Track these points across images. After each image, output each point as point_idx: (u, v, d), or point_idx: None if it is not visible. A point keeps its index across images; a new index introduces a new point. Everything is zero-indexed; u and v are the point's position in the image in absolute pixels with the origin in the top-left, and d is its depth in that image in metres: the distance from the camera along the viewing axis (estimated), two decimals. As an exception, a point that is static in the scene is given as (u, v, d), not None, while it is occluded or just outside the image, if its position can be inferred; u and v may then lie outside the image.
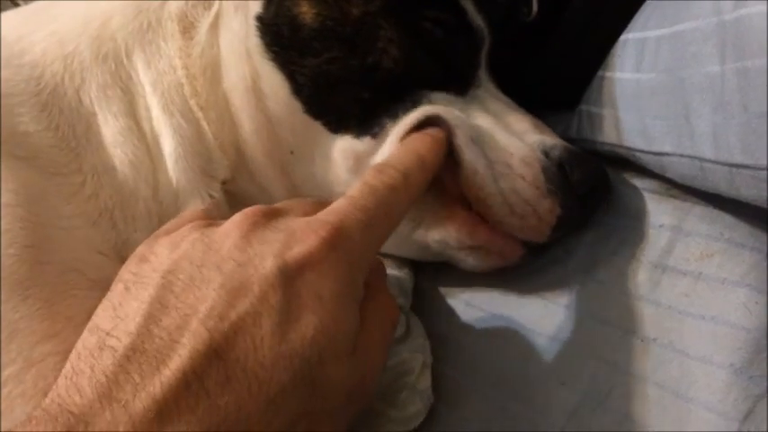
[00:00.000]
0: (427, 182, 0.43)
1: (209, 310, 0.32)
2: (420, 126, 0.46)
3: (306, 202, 0.41)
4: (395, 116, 0.47)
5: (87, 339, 0.32)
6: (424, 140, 0.44)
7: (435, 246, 0.49)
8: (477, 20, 0.51)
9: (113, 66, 0.48)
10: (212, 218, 0.41)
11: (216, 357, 0.31)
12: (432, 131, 0.46)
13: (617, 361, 0.42)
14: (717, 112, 0.36)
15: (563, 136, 0.53)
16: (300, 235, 0.35)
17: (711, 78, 0.36)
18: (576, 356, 0.43)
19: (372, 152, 0.47)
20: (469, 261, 0.49)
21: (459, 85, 0.50)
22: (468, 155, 0.46)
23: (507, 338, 0.47)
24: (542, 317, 0.46)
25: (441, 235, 0.48)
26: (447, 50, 0.49)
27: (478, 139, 0.47)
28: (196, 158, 0.48)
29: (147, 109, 0.48)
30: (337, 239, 0.36)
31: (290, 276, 0.34)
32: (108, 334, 0.32)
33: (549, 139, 0.48)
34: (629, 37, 0.46)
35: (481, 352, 0.48)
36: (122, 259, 0.43)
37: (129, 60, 0.49)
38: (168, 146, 0.47)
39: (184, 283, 0.33)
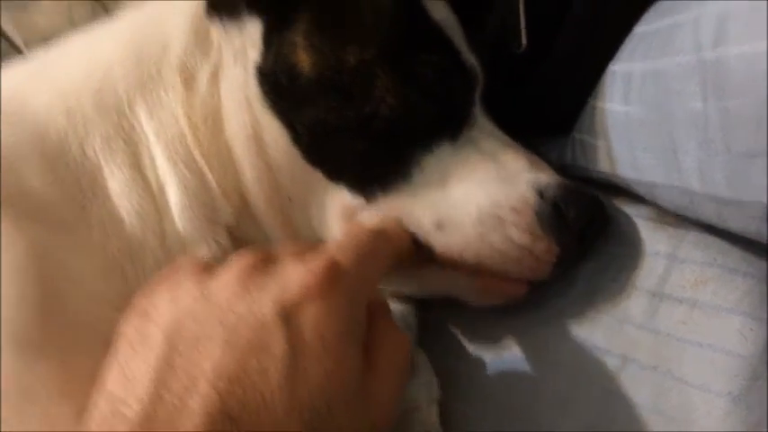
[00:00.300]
0: (404, 250, 0.46)
1: (217, 370, 0.32)
2: None
3: (300, 244, 0.42)
4: (385, 188, 0.48)
5: (100, 405, 0.33)
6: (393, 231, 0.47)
7: (440, 287, 0.50)
8: (471, 59, 0.52)
9: (116, 117, 0.49)
10: (208, 264, 0.41)
11: (228, 419, 0.31)
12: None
13: (619, 390, 0.43)
14: (702, 148, 0.37)
15: (558, 162, 0.54)
16: (296, 276, 0.36)
17: (695, 115, 0.37)
18: (580, 386, 0.44)
19: (360, 213, 0.49)
20: (475, 299, 0.50)
21: (454, 127, 0.50)
22: (439, 247, 0.47)
23: (514, 370, 0.48)
24: (546, 348, 0.47)
25: (445, 278, 0.49)
26: (442, 92, 0.50)
27: (455, 201, 0.48)
28: (201, 207, 0.49)
29: (152, 158, 0.49)
30: (332, 274, 0.37)
31: (290, 319, 0.34)
32: (119, 400, 0.32)
33: (544, 177, 0.48)
34: (617, 68, 0.47)
35: (489, 384, 0.48)
36: None
37: (131, 111, 0.49)
38: (173, 195, 0.48)
39: (189, 341, 0.34)
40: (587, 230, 0.47)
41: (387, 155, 0.48)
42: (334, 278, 0.37)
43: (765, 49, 0.32)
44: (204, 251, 0.48)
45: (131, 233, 0.47)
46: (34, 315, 0.39)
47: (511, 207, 0.47)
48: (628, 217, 0.48)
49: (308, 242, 0.44)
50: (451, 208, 0.48)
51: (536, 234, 0.46)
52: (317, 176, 0.49)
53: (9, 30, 0.71)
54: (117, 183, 0.48)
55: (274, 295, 0.35)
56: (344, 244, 0.41)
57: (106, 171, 0.48)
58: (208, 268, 0.39)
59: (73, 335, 0.40)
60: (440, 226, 0.47)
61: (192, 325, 0.35)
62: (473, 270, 0.47)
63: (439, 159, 0.49)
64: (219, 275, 0.37)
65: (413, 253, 0.47)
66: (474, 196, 0.47)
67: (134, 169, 0.48)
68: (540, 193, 0.47)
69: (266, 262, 0.38)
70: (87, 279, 0.44)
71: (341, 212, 0.49)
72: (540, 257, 0.46)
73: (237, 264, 0.38)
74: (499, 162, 0.49)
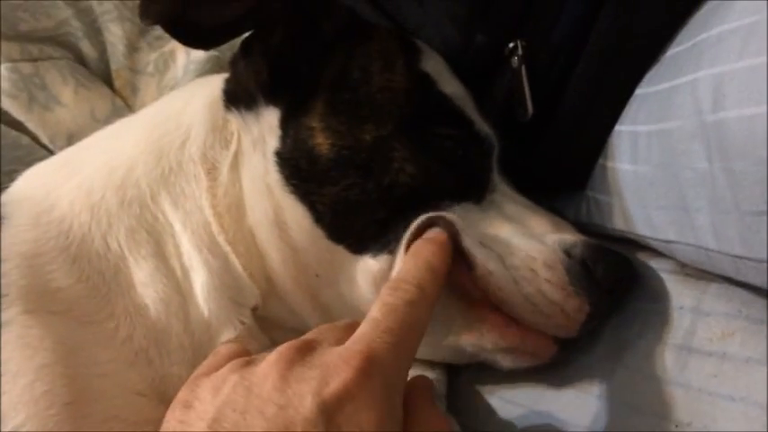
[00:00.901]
0: (441, 287, 0.44)
1: None
2: (422, 230, 0.48)
3: (336, 327, 0.43)
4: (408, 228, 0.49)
5: None
6: (428, 247, 0.46)
7: (470, 349, 0.50)
8: (485, 128, 0.54)
9: (138, 210, 0.51)
10: (247, 353, 0.43)
11: None
12: (433, 234, 0.47)
13: (655, 449, 0.42)
14: (713, 206, 0.38)
15: (574, 220, 0.55)
16: (335, 368, 0.37)
17: (702, 175, 0.38)
18: (615, 447, 0.44)
19: (390, 268, 0.49)
20: (503, 362, 0.50)
21: (476, 193, 0.52)
22: (479, 255, 0.47)
23: (544, 433, 0.48)
24: (576, 408, 0.47)
25: (474, 339, 0.49)
26: (460, 161, 0.51)
27: (493, 243, 0.49)
28: (227, 290, 0.50)
29: (177, 246, 0.50)
30: (370, 367, 0.37)
31: (330, 414, 0.35)
32: None
33: (570, 237, 0.49)
34: (623, 129, 0.48)
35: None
36: (161, 395, 0.46)
37: (154, 203, 0.51)
38: (199, 280, 0.50)
39: (230, 431, 0.35)
40: (615, 288, 0.48)
41: (409, 215, 0.49)
42: (372, 369, 0.37)
43: (764, 111, 0.33)
44: (230, 332, 0.49)
45: (156, 320, 0.48)
46: (63, 415, 0.41)
47: (543, 262, 0.47)
48: (649, 270, 0.49)
49: (347, 323, 0.43)
50: (490, 239, 0.48)
51: (567, 291, 0.47)
52: (341, 252, 0.50)
53: (34, 128, 0.74)
54: (142, 272, 0.49)
55: (314, 389, 0.36)
56: (382, 319, 0.40)
57: (131, 262, 0.49)
58: (249, 360, 0.40)
59: (103, 427, 0.42)
60: (484, 244, 0.48)
61: (233, 415, 0.35)
62: (504, 320, 0.48)
63: (465, 212, 0.50)
64: (260, 366, 0.38)
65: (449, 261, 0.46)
66: (508, 245, 0.48)
67: (158, 258, 0.50)
68: (568, 253, 0.48)
69: (305, 352, 0.39)
70: (114, 369, 0.45)
71: (372, 280, 0.50)
72: (572, 315, 0.47)
73: (278, 354, 0.38)
74: (524, 224, 0.51)
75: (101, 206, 0.51)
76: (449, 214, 0.49)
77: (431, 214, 0.48)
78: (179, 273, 0.50)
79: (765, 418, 0.39)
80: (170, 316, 0.48)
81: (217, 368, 0.40)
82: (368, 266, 0.50)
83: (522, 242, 0.49)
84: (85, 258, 0.49)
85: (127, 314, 0.48)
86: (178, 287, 0.49)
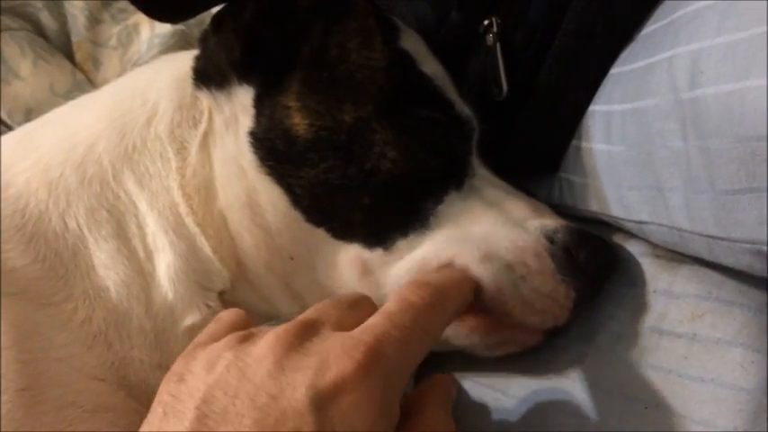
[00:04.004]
0: (461, 308, 0.43)
1: None
2: None
3: (339, 304, 0.40)
4: (405, 234, 0.48)
5: None
6: (458, 275, 0.45)
7: (456, 343, 0.49)
8: (465, 110, 0.53)
9: (99, 188, 0.49)
10: (249, 322, 0.41)
11: None
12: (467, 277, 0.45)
13: (624, 430, 0.42)
14: (687, 185, 0.38)
15: (547, 202, 0.54)
16: (334, 359, 0.35)
17: (677, 154, 0.38)
18: (586, 429, 0.44)
19: (384, 264, 0.48)
20: (487, 351, 0.49)
21: (457, 178, 0.50)
22: (487, 278, 0.45)
23: (518, 416, 0.47)
24: (549, 390, 0.47)
25: (463, 340, 0.48)
26: (441, 144, 0.50)
27: (480, 241, 0.47)
28: (193, 273, 0.48)
29: (140, 227, 0.49)
30: (372, 362, 0.35)
31: (323, 407, 0.33)
32: None
33: (551, 222, 0.49)
34: (596, 109, 0.48)
35: (491, 430, 0.48)
36: (120, 380, 0.45)
37: (116, 182, 0.50)
38: (164, 262, 0.48)
39: (218, 416, 0.33)
40: (597, 273, 0.47)
41: (396, 204, 0.48)
42: (374, 366, 0.35)
43: (741, 88, 0.33)
44: (195, 315, 0.48)
45: (117, 303, 0.47)
46: (17, 401, 0.39)
47: (532, 251, 0.46)
48: (629, 254, 0.48)
49: (353, 298, 0.41)
50: (484, 242, 0.47)
51: (556, 279, 0.46)
52: (320, 236, 0.49)
53: (-7, 102, 0.72)
54: (102, 253, 0.48)
55: (309, 379, 0.34)
56: (397, 314, 0.38)
57: (90, 242, 0.48)
58: (248, 335, 0.38)
59: (56, 416, 0.40)
60: (487, 258, 0.46)
61: (224, 399, 0.34)
62: (492, 322, 0.47)
63: (449, 206, 0.49)
64: (257, 347, 0.36)
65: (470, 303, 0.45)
66: (497, 237, 0.47)
67: (119, 239, 0.48)
68: (550, 239, 0.47)
69: (305, 336, 0.37)
70: (72, 352, 0.44)
71: (358, 267, 0.48)
72: (562, 304, 0.46)
73: (276, 337, 0.36)
74: (504, 210, 0.50)
75: (59, 184, 0.49)
76: (457, 247, 0.47)
77: (441, 257, 0.47)
78: (141, 254, 0.48)
79: (734, 400, 0.39)
80: (131, 298, 0.47)
81: (217, 337, 0.39)
82: (356, 255, 0.48)
83: (508, 232, 0.48)
84: (42, 238, 0.47)
85: (86, 296, 0.46)
86: (140, 269, 0.48)
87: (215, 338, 0.39)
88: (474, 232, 0.48)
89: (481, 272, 0.45)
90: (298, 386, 0.34)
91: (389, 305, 0.39)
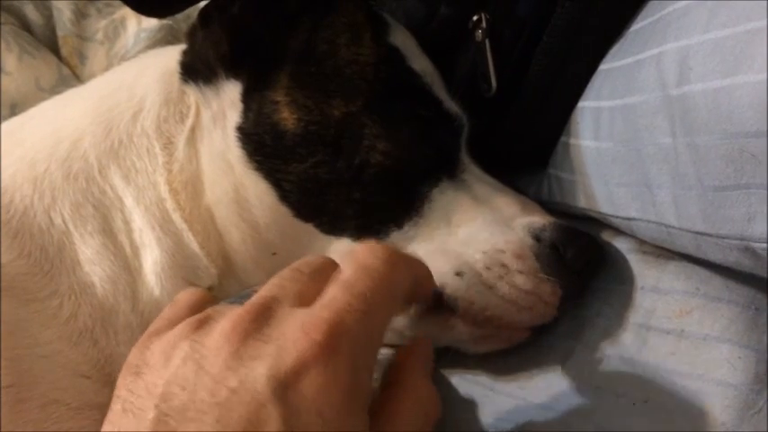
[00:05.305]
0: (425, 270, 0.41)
1: None
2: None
3: (299, 274, 0.38)
4: (400, 225, 0.48)
5: None
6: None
7: (444, 341, 0.49)
8: (454, 107, 0.53)
9: (85, 184, 0.49)
10: (208, 300, 0.39)
11: None
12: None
13: (613, 427, 0.42)
14: (675, 182, 0.38)
15: (536, 199, 0.54)
16: (293, 342, 0.33)
17: (665, 150, 0.38)
18: (574, 425, 0.44)
19: None
20: (475, 348, 0.49)
21: (448, 172, 0.51)
22: (461, 292, 0.46)
23: (505, 413, 0.47)
24: (536, 387, 0.47)
25: (448, 336, 0.48)
26: (431, 139, 0.50)
27: (462, 246, 0.47)
28: (180, 269, 0.48)
29: (126, 222, 0.48)
30: (334, 340, 0.33)
31: (286, 396, 0.32)
32: None
33: (539, 220, 0.49)
34: (586, 105, 0.48)
35: (479, 427, 0.48)
36: (106, 377, 0.44)
37: (102, 177, 0.49)
38: (150, 258, 0.48)
39: (179, 414, 0.32)
40: (585, 270, 0.47)
41: (386, 199, 0.48)
42: (336, 342, 0.33)
43: (730, 84, 0.33)
44: None
45: (103, 298, 0.46)
46: (2, 398, 0.39)
47: (513, 253, 0.47)
48: (617, 251, 0.49)
49: (316, 267, 0.38)
50: (462, 247, 0.47)
51: (539, 277, 0.46)
52: (309, 231, 0.49)
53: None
54: (88, 249, 0.47)
55: (269, 366, 0.32)
56: (355, 282, 0.35)
57: (76, 238, 0.47)
58: (203, 318, 0.36)
59: (40, 413, 0.40)
60: (459, 273, 0.47)
61: (183, 394, 0.32)
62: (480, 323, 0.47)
63: (443, 194, 0.49)
64: (213, 335, 0.34)
65: (429, 292, 0.43)
66: (477, 242, 0.47)
67: (105, 235, 0.48)
68: (537, 237, 0.47)
69: (262, 320, 0.34)
70: (57, 349, 0.44)
71: None
72: (548, 301, 0.46)
73: (231, 324, 0.34)
74: (493, 207, 0.50)
75: (44, 179, 0.49)
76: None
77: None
78: (128, 250, 0.48)
79: (722, 396, 0.39)
80: (117, 294, 0.47)
81: (174, 322, 0.37)
82: (347, 249, 0.48)
83: (490, 234, 0.48)
84: (27, 233, 0.47)
85: (71, 292, 0.46)
86: (127, 265, 0.48)
87: (172, 323, 0.37)
88: (455, 238, 0.48)
89: (455, 288, 0.46)
90: (257, 376, 0.32)
91: (346, 273, 0.36)
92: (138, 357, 0.36)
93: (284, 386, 0.32)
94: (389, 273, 0.36)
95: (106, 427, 0.34)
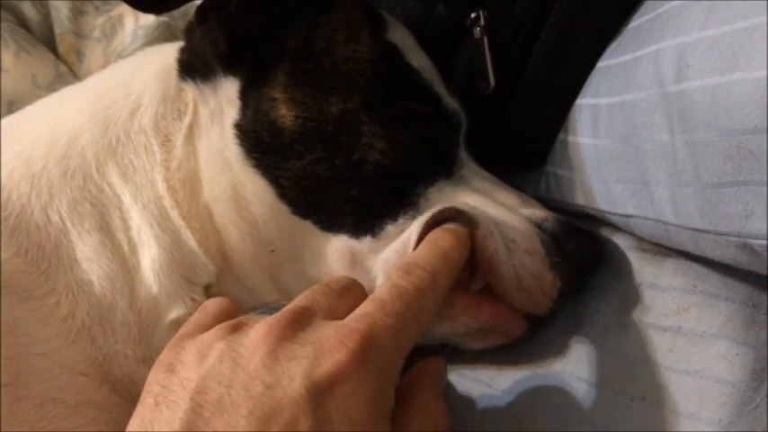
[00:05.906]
0: (453, 280, 0.42)
1: None
2: (439, 221, 0.46)
3: (330, 291, 0.40)
4: (394, 219, 0.48)
5: None
6: (447, 238, 0.44)
7: (442, 335, 0.49)
8: (452, 104, 0.53)
9: (82, 181, 0.49)
10: (236, 310, 0.41)
11: None
12: (453, 227, 0.45)
13: (610, 424, 0.42)
14: (673, 179, 0.38)
15: (534, 196, 0.54)
16: (329, 348, 0.35)
17: (663, 147, 0.38)
18: (571, 423, 0.44)
19: (372, 251, 0.48)
20: (474, 344, 0.49)
21: (446, 169, 0.51)
22: (482, 216, 0.46)
23: (502, 409, 0.47)
24: (534, 384, 0.47)
25: (447, 327, 0.48)
26: (429, 137, 0.50)
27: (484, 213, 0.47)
28: (178, 267, 0.48)
29: (124, 220, 0.48)
30: (367, 350, 0.35)
31: (319, 397, 0.33)
32: None
33: (540, 213, 0.49)
34: (584, 102, 0.48)
35: (477, 423, 0.48)
36: (104, 375, 0.45)
37: (100, 175, 0.49)
38: (148, 256, 0.48)
39: (214, 406, 0.33)
40: (584, 266, 0.47)
41: (384, 195, 0.48)
42: (368, 353, 0.35)
43: (727, 81, 0.33)
44: (179, 309, 0.48)
45: (100, 296, 0.46)
46: (2, 399, 0.39)
47: (522, 233, 0.47)
48: (616, 248, 0.49)
49: (342, 284, 0.41)
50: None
51: (545, 262, 0.46)
52: (307, 228, 0.49)
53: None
54: (86, 246, 0.47)
55: (305, 369, 0.34)
56: (389, 301, 0.38)
57: (74, 235, 0.47)
58: (237, 324, 0.38)
59: (38, 412, 0.40)
60: (484, 215, 0.46)
61: (218, 389, 0.34)
62: (474, 300, 0.47)
63: (440, 192, 0.49)
64: (249, 336, 0.36)
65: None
66: (487, 218, 0.47)
67: (103, 232, 0.48)
68: (539, 227, 0.48)
69: (298, 326, 0.36)
70: (54, 347, 0.44)
71: (346, 257, 0.48)
72: (546, 291, 0.46)
73: (269, 326, 0.36)
74: (495, 200, 0.50)
75: (41, 176, 0.49)
76: (468, 208, 0.46)
77: (447, 206, 0.46)
78: (126, 248, 0.48)
79: (719, 392, 0.39)
80: (115, 292, 0.47)
81: (203, 328, 0.38)
82: (345, 245, 0.48)
83: (499, 213, 0.48)
84: (24, 231, 0.47)
85: (69, 290, 0.46)
86: (124, 263, 0.48)
87: (202, 328, 0.38)
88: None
89: (484, 235, 0.45)
90: (294, 375, 0.34)
91: (381, 292, 0.38)
92: (172, 356, 0.37)
93: (319, 388, 0.33)
94: (421, 296, 0.39)
95: (135, 420, 0.35)
